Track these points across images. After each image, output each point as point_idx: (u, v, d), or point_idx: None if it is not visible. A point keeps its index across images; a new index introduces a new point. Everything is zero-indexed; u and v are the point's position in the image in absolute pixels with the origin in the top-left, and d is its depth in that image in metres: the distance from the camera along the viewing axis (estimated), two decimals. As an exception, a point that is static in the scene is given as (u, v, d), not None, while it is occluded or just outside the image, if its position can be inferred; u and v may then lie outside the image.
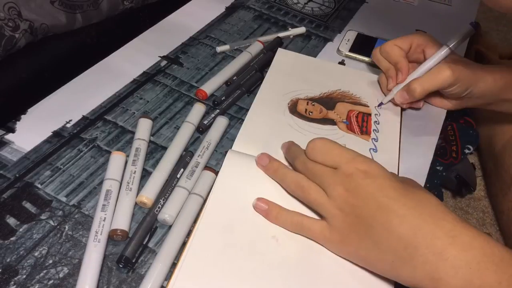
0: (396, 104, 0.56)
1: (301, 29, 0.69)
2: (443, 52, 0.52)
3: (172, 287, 0.37)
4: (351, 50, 0.66)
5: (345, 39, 0.68)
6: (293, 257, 0.40)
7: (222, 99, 0.55)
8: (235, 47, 0.64)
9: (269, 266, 0.39)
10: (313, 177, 0.41)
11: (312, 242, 0.41)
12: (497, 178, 0.77)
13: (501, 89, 0.52)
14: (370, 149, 0.51)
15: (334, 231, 0.39)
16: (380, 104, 0.56)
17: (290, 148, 0.46)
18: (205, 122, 0.52)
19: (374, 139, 0.52)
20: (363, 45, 0.67)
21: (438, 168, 0.80)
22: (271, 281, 0.38)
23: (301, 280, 0.38)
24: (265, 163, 0.45)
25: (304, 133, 0.52)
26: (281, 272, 0.39)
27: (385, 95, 0.57)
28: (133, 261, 0.39)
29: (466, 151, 0.82)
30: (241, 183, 0.44)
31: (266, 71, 0.60)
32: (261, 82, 0.58)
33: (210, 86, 0.57)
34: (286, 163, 0.46)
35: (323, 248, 0.40)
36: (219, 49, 0.63)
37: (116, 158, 0.46)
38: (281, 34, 0.67)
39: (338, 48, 0.66)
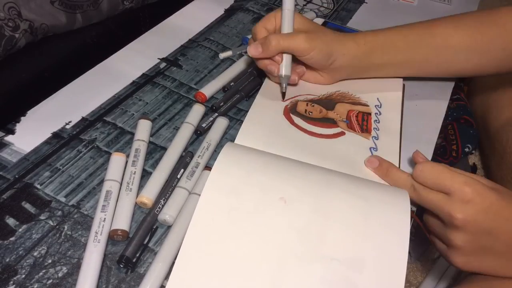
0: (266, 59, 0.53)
1: None
2: (285, 14, 0.51)
3: (179, 254, 0.37)
4: None
5: None
6: (301, 219, 0.39)
7: (221, 104, 0.55)
8: (238, 53, 0.64)
9: (276, 228, 0.39)
10: (427, 206, 0.42)
11: (321, 205, 0.40)
12: (492, 152, 0.79)
13: (367, 53, 0.52)
14: (370, 148, 0.51)
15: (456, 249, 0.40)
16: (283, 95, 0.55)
17: (388, 170, 0.46)
18: (203, 125, 0.52)
19: (375, 137, 0.52)
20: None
21: (438, 168, 0.80)
22: (278, 245, 0.38)
23: (309, 244, 0.38)
24: (375, 165, 0.47)
25: (303, 131, 0.52)
26: (288, 235, 0.39)
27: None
28: (134, 261, 0.39)
29: (466, 149, 0.82)
30: (246, 149, 0.45)
31: (265, 76, 0.60)
32: (260, 87, 0.58)
33: (209, 89, 0.57)
34: (291, 158, 0.46)
35: (332, 210, 0.40)
36: (222, 55, 0.63)
37: (116, 159, 0.46)
38: None
39: None
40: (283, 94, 0.55)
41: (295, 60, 0.54)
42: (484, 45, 0.53)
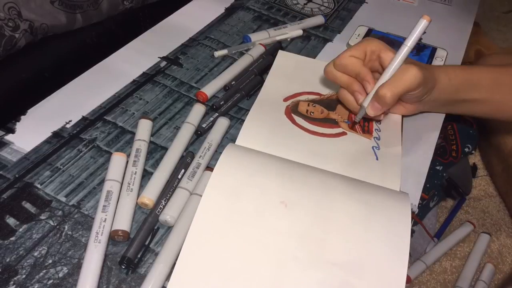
0: (370, 118, 0.52)
1: (298, 32, 0.68)
2: (405, 51, 0.47)
3: (180, 255, 0.38)
4: None
5: (356, 34, 0.70)
6: (302, 224, 0.39)
7: (221, 103, 0.55)
8: (233, 51, 0.64)
9: (276, 232, 0.39)
10: None
11: (321, 209, 0.40)
12: (508, 179, 0.81)
13: (456, 89, 0.52)
14: (372, 147, 0.51)
15: None
16: (354, 123, 0.53)
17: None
18: (204, 125, 0.52)
19: (376, 137, 0.52)
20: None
21: (437, 168, 0.80)
22: (278, 249, 0.38)
23: (309, 248, 0.38)
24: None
25: (305, 130, 0.52)
26: (289, 239, 0.39)
27: (356, 113, 0.52)
28: (135, 262, 0.39)
29: (466, 149, 0.83)
30: (247, 151, 0.45)
31: (266, 75, 0.60)
32: (261, 86, 0.58)
33: (210, 89, 0.57)
34: (288, 158, 0.46)
35: (333, 214, 0.40)
36: (217, 54, 0.63)
37: (117, 159, 0.46)
38: (279, 38, 0.67)
39: (348, 42, 0.68)
40: (354, 123, 0.53)
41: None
42: None
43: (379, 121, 0.54)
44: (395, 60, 0.47)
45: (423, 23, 0.47)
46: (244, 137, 0.50)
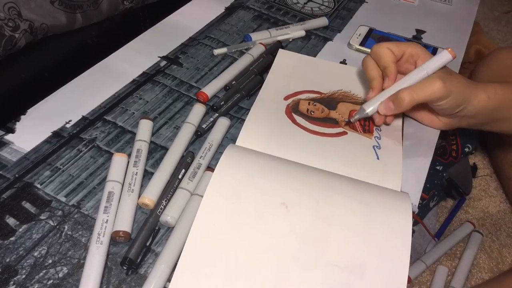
0: (372, 120, 0.52)
1: (301, 33, 0.68)
2: (420, 74, 0.49)
3: (181, 257, 0.38)
4: (361, 44, 0.67)
5: (356, 33, 0.69)
6: (302, 225, 0.39)
7: (222, 103, 0.55)
8: (233, 50, 0.64)
9: (277, 233, 0.39)
10: None
11: (322, 210, 0.40)
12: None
13: (495, 107, 0.50)
14: (373, 146, 0.51)
15: None
16: (348, 122, 0.53)
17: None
18: (204, 126, 0.52)
19: (377, 137, 0.52)
20: (374, 40, 0.69)
21: (438, 168, 0.80)
22: (279, 250, 0.38)
23: (310, 249, 0.38)
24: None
25: (306, 130, 0.52)
26: (289, 240, 0.39)
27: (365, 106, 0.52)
28: (137, 262, 0.39)
29: (466, 149, 0.82)
30: (248, 152, 0.45)
31: (266, 75, 0.59)
32: (260, 86, 0.58)
33: (211, 89, 0.56)
34: (290, 159, 0.46)
35: (334, 215, 0.40)
36: (216, 52, 0.63)
37: (118, 160, 0.46)
38: (280, 38, 0.67)
39: (349, 42, 0.68)
40: (348, 122, 0.53)
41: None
42: None
43: (378, 127, 0.54)
44: (410, 76, 0.49)
45: (447, 57, 0.48)
46: (245, 137, 0.50)
